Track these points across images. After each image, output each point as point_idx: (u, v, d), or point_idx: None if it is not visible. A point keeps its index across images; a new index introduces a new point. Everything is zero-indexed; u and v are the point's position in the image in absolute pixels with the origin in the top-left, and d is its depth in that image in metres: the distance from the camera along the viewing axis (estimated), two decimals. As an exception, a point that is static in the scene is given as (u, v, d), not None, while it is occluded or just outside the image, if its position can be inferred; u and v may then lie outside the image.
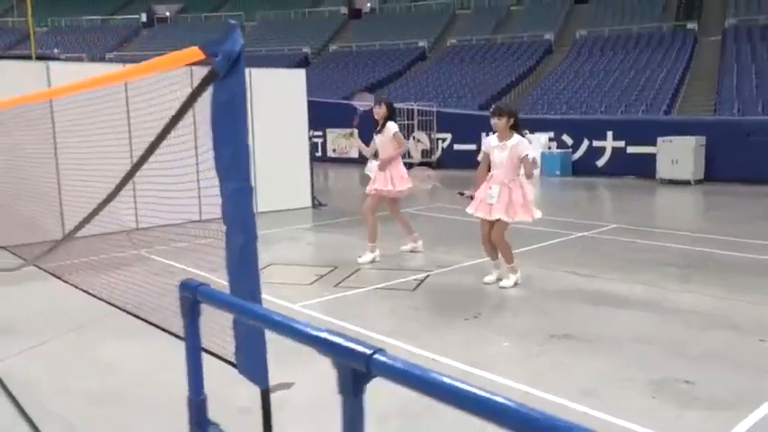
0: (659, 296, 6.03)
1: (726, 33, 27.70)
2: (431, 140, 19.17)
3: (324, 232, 9.91)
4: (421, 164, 19.12)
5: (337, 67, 34.15)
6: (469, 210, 6.40)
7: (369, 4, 43.90)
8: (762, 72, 21.88)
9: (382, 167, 7.53)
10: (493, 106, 6.52)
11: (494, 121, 6.21)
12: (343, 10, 43.05)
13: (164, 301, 4.20)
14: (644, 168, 14.76)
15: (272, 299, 6.12)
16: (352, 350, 1.30)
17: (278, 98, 11.29)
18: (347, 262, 7.54)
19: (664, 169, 14.17)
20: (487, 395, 1.08)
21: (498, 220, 6.17)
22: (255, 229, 1.95)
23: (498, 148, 6.21)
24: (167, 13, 47.94)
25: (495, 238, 6.26)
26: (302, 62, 36.11)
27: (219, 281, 2.50)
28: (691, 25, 29.71)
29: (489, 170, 6.32)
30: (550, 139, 16.64)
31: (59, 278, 6.85)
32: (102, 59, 39.10)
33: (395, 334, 5.07)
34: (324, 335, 1.37)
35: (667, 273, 6.87)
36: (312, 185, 12.05)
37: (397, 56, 34.70)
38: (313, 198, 12.00)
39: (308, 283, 6.75)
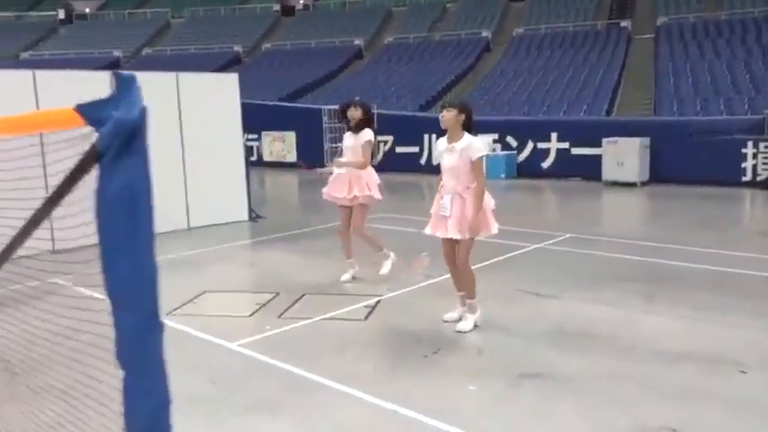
0: (627, 319, 5.64)
1: (658, 31, 28.18)
2: (372, 143, 18.57)
3: (264, 250, 9.12)
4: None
5: (271, 67, 33.11)
6: (427, 231, 5.70)
7: (302, 1, 43.00)
8: (696, 71, 22.22)
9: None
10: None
11: (442, 114, 5.41)
12: (276, 7, 41.98)
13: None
14: (589, 170, 14.56)
15: (208, 336, 5.42)
16: None
17: (209, 104, 10.50)
18: (291, 285, 6.83)
19: (609, 171, 13.99)
20: None
21: (461, 240, 5.33)
22: (167, 391, 1.27)
23: (447, 151, 5.37)
24: (87, 10, 45.71)
25: (459, 262, 5.40)
26: (234, 61, 34.94)
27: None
28: (624, 23, 30.13)
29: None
30: (494, 141, 16.31)
31: None
32: (16, 59, 36.98)
33: (347, 379, 4.47)
34: None
35: (631, 290, 6.48)
36: (249, 197, 11.27)
37: (332, 54, 33.95)
38: (250, 210, 11.24)
39: (248, 315, 6.05)
